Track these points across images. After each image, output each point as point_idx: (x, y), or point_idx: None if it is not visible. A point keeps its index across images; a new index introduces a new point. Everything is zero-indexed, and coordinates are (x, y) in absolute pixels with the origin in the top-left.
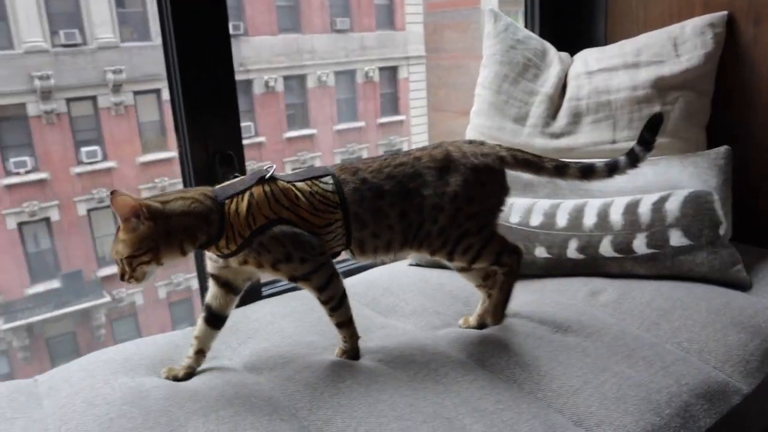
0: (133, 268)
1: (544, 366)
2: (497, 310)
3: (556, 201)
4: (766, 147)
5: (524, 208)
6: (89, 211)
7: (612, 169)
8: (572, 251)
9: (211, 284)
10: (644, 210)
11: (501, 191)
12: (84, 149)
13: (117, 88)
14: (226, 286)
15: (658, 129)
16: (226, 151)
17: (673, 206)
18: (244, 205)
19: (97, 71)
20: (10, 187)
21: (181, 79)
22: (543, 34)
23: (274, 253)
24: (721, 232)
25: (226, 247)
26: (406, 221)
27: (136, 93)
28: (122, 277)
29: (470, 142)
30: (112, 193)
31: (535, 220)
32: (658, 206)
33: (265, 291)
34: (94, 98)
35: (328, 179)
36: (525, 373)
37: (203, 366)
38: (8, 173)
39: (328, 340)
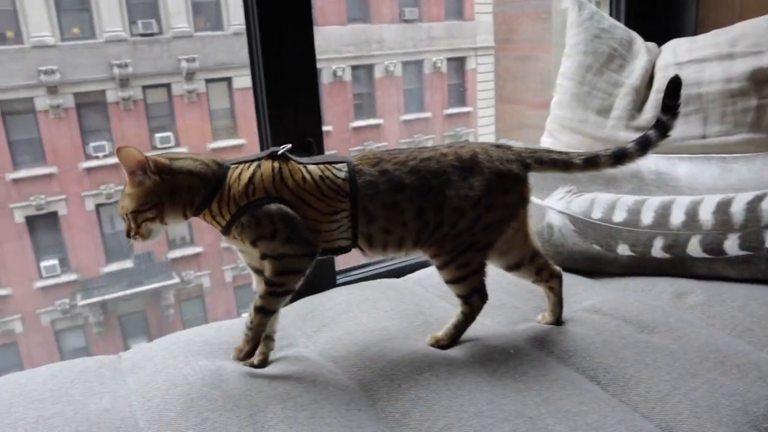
0: (138, 224)
1: (629, 368)
2: (452, 336)
3: (641, 197)
4: None
5: (607, 203)
6: None
7: (645, 146)
8: (657, 250)
9: (252, 274)
10: (737, 209)
11: (519, 202)
12: (158, 135)
13: (190, 76)
14: (261, 273)
15: (678, 92)
16: (306, 137)
17: None
18: (247, 174)
19: (172, 60)
20: (89, 170)
21: (264, 65)
22: (629, 24)
23: (261, 228)
24: None
25: (220, 215)
26: (422, 219)
27: (208, 81)
28: (128, 234)
29: (498, 146)
30: (118, 148)
31: (619, 216)
32: (753, 206)
33: (340, 279)
34: (168, 86)
35: (343, 166)
36: (609, 374)
37: (280, 353)
38: (88, 157)
39: (402, 326)
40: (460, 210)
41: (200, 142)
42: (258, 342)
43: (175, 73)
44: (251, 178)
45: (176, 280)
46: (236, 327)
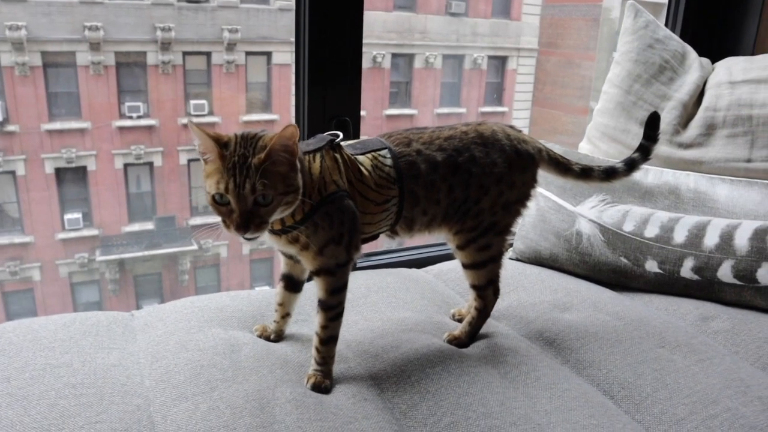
0: (268, 211)
1: (647, 386)
2: (469, 334)
3: (676, 215)
4: None
5: (641, 217)
6: (189, 161)
7: (631, 166)
8: (687, 270)
9: (281, 256)
10: None
11: (533, 183)
12: (193, 102)
13: (231, 46)
14: (292, 257)
15: (658, 125)
16: (343, 116)
17: None
18: (316, 165)
19: (215, 29)
20: (122, 129)
21: (309, 41)
22: (684, 37)
23: (333, 229)
24: None
25: (291, 216)
26: (451, 197)
27: (248, 53)
28: (245, 225)
29: (511, 126)
30: (289, 126)
31: (651, 231)
32: None
33: (360, 263)
34: (208, 54)
35: (386, 153)
36: (624, 390)
37: (297, 330)
38: (122, 116)
39: (419, 318)
40: (484, 186)
41: (233, 113)
42: (331, 371)
43: (217, 42)
44: (320, 172)
45: (195, 246)
46: (251, 298)
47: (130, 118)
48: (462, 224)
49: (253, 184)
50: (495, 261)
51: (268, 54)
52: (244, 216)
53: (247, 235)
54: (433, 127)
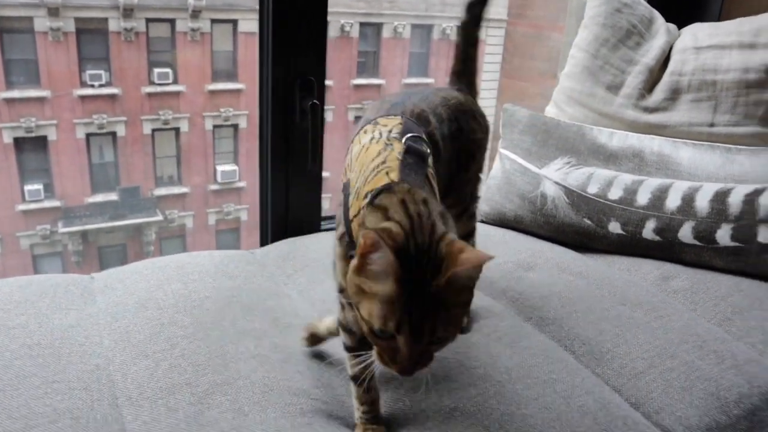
0: (435, 350)
1: (607, 342)
2: None
3: (640, 177)
4: None
5: (605, 179)
6: (153, 131)
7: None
8: (649, 231)
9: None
10: (735, 200)
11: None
12: (157, 70)
13: (196, 14)
14: None
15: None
16: (308, 75)
17: (767, 201)
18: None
19: None
20: (83, 98)
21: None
22: (651, 2)
23: None
24: None
25: None
26: (451, 168)
27: (214, 21)
28: (414, 370)
29: (459, 89)
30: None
31: (615, 193)
32: (751, 198)
33: (324, 225)
34: (172, 21)
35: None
36: (585, 346)
37: (259, 283)
38: (83, 84)
39: None
40: (471, 153)
41: (199, 82)
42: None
43: (181, 9)
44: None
45: (160, 217)
46: (213, 256)
47: (92, 86)
48: (458, 196)
49: (433, 327)
50: (475, 229)
51: (234, 22)
52: (414, 360)
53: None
54: (417, 92)
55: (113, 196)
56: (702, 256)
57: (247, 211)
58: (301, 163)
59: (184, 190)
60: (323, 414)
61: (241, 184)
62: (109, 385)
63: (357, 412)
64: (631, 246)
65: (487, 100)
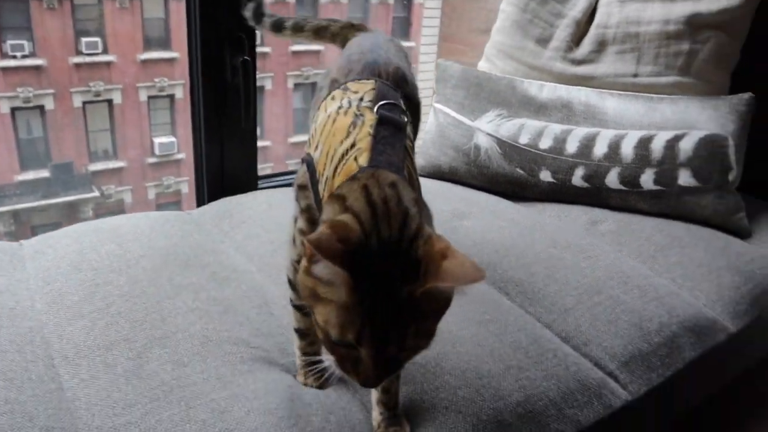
0: (404, 359)
1: (539, 282)
2: None
3: (568, 127)
4: None
5: (535, 130)
6: (84, 103)
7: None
8: (578, 179)
9: None
10: (657, 146)
11: None
12: (84, 39)
13: None
14: None
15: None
16: (238, 32)
17: (686, 146)
18: None
19: None
20: (5, 70)
21: None
22: None
23: None
24: (731, 178)
25: None
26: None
27: None
28: (379, 381)
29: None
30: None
31: (545, 143)
32: (672, 144)
33: (262, 183)
34: None
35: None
36: (518, 287)
37: (195, 241)
38: (5, 55)
39: None
40: (418, 115)
41: (130, 51)
42: None
43: None
44: None
45: (96, 193)
46: (149, 217)
47: (14, 57)
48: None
49: (402, 339)
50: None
51: None
52: (379, 371)
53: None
54: (384, 46)
55: (45, 173)
56: (627, 200)
57: (187, 184)
58: (235, 121)
59: (120, 164)
60: (264, 361)
61: (180, 155)
62: (44, 346)
63: (298, 360)
64: (561, 193)
65: (426, 64)
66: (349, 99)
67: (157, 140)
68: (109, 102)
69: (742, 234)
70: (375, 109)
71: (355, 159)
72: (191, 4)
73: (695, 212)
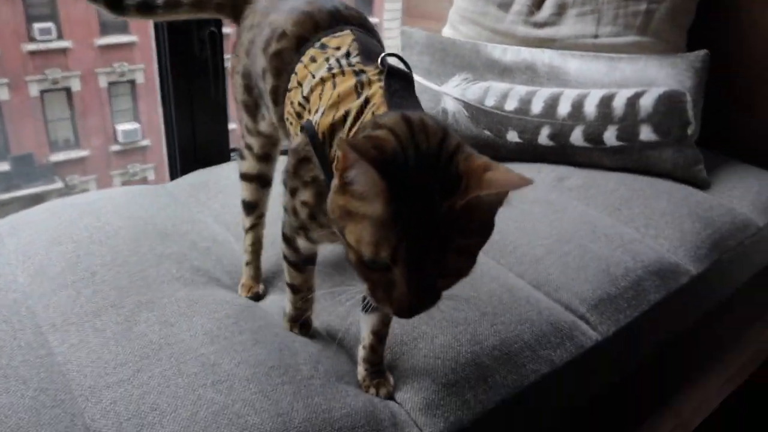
0: (442, 287)
1: (510, 235)
2: None
3: (533, 88)
4: (743, 56)
5: (501, 92)
6: (42, 92)
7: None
8: (544, 138)
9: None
10: (618, 104)
11: None
12: (37, 25)
13: None
14: None
15: None
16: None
17: (646, 102)
18: None
19: None
20: None
21: None
22: None
23: None
24: (689, 132)
25: None
26: None
27: None
28: (417, 311)
29: None
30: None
31: (510, 105)
32: (632, 101)
33: (234, 156)
34: None
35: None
36: (491, 243)
37: (173, 211)
38: None
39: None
40: None
41: (86, 37)
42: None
43: None
44: None
45: (59, 184)
46: (126, 190)
47: None
48: None
49: (442, 255)
50: None
51: None
52: (416, 298)
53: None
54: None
55: (4, 166)
56: (592, 156)
57: (153, 170)
58: (204, 93)
59: (83, 153)
60: (249, 314)
61: (145, 142)
62: (30, 316)
63: (288, 310)
64: (528, 152)
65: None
66: (336, 58)
67: (120, 127)
68: (68, 90)
69: (702, 185)
70: (380, 62)
71: (373, 114)
72: None
73: (657, 166)
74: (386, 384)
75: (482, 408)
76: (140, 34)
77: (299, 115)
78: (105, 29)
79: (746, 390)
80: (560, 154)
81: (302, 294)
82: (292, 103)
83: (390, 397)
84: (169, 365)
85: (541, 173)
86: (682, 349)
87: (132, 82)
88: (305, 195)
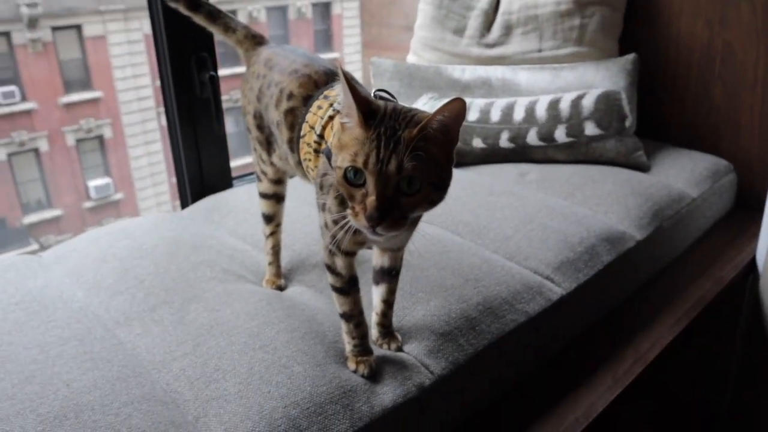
0: (405, 205)
1: (482, 220)
2: None
3: (491, 100)
4: (669, 58)
5: None
6: (9, 155)
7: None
8: (504, 141)
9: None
10: (564, 106)
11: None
12: (0, 89)
13: (33, 23)
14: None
15: None
16: (201, 52)
17: (588, 102)
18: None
19: (9, 5)
20: None
21: None
22: None
23: None
24: (627, 124)
25: None
26: None
27: (55, 29)
28: (382, 216)
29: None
30: (455, 99)
31: (473, 116)
32: (576, 102)
33: (236, 183)
34: (7, 34)
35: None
36: (467, 227)
37: (195, 230)
38: None
39: (300, 214)
40: None
41: (51, 96)
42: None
43: (15, 20)
44: None
45: (35, 246)
46: (147, 220)
47: None
48: None
49: (400, 161)
50: None
51: (78, 27)
52: (382, 202)
53: (379, 230)
54: (305, 54)
55: None
56: (546, 153)
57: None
58: (207, 129)
59: (56, 212)
60: (278, 298)
61: (118, 196)
62: (96, 317)
63: (348, 345)
64: (492, 155)
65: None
66: (338, 101)
67: (91, 183)
68: (36, 151)
69: (643, 168)
70: (372, 94)
71: None
72: (157, 34)
73: (602, 155)
74: (395, 340)
75: (474, 350)
76: (105, 89)
77: (317, 151)
78: (69, 87)
79: (692, 328)
80: (520, 153)
81: (355, 319)
82: (308, 144)
83: (399, 350)
84: (222, 338)
85: (504, 171)
86: (639, 301)
87: (100, 138)
88: (329, 201)
